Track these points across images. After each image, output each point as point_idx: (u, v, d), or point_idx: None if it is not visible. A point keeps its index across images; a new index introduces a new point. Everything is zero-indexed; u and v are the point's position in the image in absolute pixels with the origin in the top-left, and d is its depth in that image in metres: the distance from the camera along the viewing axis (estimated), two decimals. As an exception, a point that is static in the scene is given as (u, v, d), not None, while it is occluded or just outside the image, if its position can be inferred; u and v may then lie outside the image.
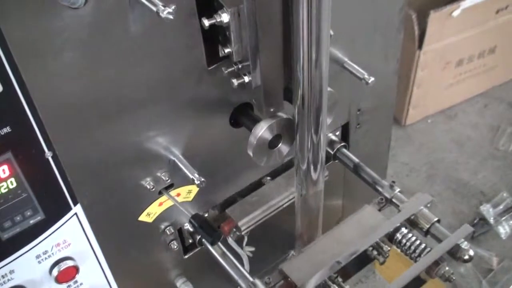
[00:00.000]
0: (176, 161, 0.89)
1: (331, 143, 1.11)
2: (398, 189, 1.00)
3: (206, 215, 1.04)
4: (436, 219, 0.93)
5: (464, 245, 0.89)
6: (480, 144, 2.00)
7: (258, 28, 0.73)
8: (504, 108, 2.13)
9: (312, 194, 0.92)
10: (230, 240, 1.05)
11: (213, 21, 0.74)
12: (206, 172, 0.88)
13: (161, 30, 0.75)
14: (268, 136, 0.85)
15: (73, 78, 0.71)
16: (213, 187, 0.99)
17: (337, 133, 1.16)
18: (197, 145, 0.91)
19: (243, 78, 0.81)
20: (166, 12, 0.64)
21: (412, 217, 0.94)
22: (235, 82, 0.81)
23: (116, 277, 0.94)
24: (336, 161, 1.12)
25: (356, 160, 1.09)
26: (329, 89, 0.81)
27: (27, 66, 0.65)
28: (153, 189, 0.89)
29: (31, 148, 0.72)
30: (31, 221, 0.77)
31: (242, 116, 0.92)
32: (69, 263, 0.85)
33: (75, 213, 0.81)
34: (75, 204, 0.80)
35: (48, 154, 0.73)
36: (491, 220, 1.73)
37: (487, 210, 1.75)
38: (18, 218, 0.76)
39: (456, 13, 1.80)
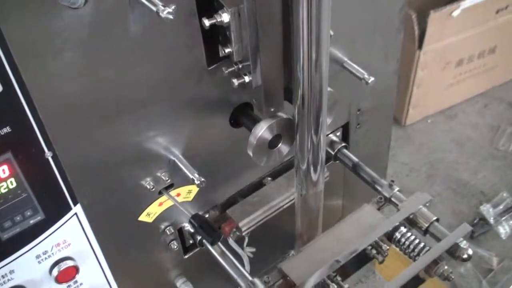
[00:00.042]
0: (176, 161, 0.89)
1: (332, 144, 1.11)
2: (397, 188, 1.00)
3: (207, 215, 1.04)
4: (435, 218, 0.93)
5: (463, 244, 0.89)
6: (480, 144, 2.00)
7: (259, 28, 0.73)
8: (504, 108, 2.13)
9: (312, 194, 0.92)
10: (231, 241, 1.05)
11: (213, 21, 0.74)
12: (206, 172, 0.88)
13: (161, 30, 0.75)
14: (268, 136, 0.85)
15: (73, 78, 0.71)
16: (213, 187, 0.99)
17: (338, 133, 1.16)
18: (197, 145, 0.91)
19: (244, 78, 0.81)
20: (166, 12, 0.64)
21: (411, 216, 0.94)
22: (235, 82, 0.81)
23: (116, 277, 0.94)
24: (337, 161, 1.12)
25: (355, 159, 1.09)
26: (329, 89, 0.81)
27: (27, 66, 0.65)
28: (153, 189, 0.89)
29: (31, 148, 0.72)
30: (31, 221, 0.77)
31: (242, 116, 0.92)
32: (69, 263, 0.85)
33: (75, 213, 0.81)
34: (75, 204, 0.80)
35: (48, 154, 0.73)
36: (491, 220, 1.73)
37: (487, 210, 1.75)
38: (18, 218, 0.76)
39: (456, 13, 1.80)
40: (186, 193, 0.96)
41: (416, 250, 0.91)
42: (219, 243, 0.96)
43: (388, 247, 0.91)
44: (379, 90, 1.13)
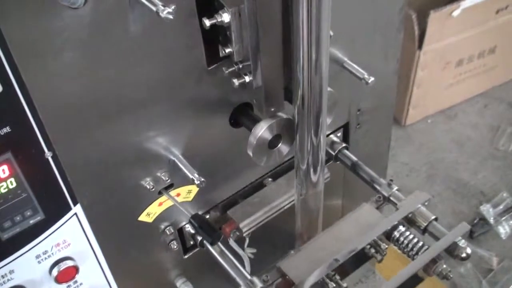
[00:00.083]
0: (176, 161, 0.89)
1: (332, 144, 1.11)
2: (395, 188, 1.00)
3: (208, 216, 1.04)
4: (433, 217, 0.93)
5: (462, 243, 0.89)
6: (480, 144, 2.00)
7: (259, 28, 0.73)
8: (504, 108, 2.13)
9: (312, 194, 0.92)
10: (231, 242, 1.05)
11: (214, 21, 0.74)
12: (206, 172, 0.88)
13: (161, 30, 0.75)
14: (268, 136, 0.85)
15: (73, 78, 0.71)
16: (213, 187, 0.99)
17: (339, 134, 1.16)
18: (197, 145, 0.91)
19: (244, 78, 0.81)
20: (166, 12, 0.64)
21: (410, 215, 0.94)
22: (236, 82, 0.81)
23: (116, 277, 0.94)
24: (338, 162, 1.12)
25: (354, 158, 1.09)
26: (329, 89, 0.81)
27: (27, 66, 0.65)
28: (153, 189, 0.89)
29: (31, 148, 0.72)
30: (31, 221, 0.77)
31: (242, 116, 0.92)
32: (69, 263, 0.85)
33: (75, 213, 0.81)
34: (75, 204, 0.80)
35: (48, 154, 0.73)
36: (491, 220, 1.73)
37: (487, 210, 1.75)
38: (18, 218, 0.76)
39: (456, 13, 1.79)
40: (186, 193, 0.96)
41: (415, 249, 0.91)
42: (219, 243, 0.96)
43: (386, 246, 0.91)
44: (379, 90, 1.13)
